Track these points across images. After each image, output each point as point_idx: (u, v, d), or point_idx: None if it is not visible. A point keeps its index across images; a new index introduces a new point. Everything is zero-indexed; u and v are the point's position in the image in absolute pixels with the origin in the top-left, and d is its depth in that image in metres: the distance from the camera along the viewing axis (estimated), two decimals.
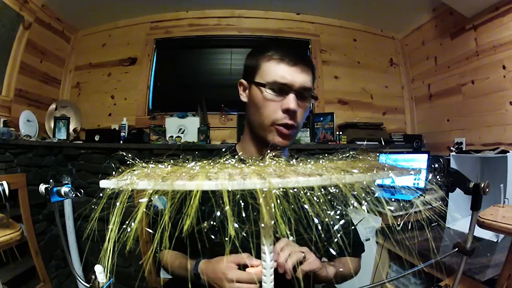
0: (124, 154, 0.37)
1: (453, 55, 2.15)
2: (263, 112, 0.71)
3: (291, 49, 0.73)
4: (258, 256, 0.29)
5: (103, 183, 0.26)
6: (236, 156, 0.32)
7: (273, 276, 0.31)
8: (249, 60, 0.78)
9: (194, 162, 0.28)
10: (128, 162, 0.30)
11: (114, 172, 0.28)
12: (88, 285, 0.33)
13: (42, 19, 2.26)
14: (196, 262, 0.65)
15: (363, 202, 0.24)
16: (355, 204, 0.24)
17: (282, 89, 0.70)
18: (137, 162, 0.30)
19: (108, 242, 0.26)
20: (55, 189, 0.54)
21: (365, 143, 2.29)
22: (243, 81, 0.79)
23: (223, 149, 0.84)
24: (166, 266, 0.78)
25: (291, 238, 0.24)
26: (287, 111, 0.69)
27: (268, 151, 0.33)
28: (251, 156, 0.35)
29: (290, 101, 0.68)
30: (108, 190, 0.26)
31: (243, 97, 0.80)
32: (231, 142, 2.47)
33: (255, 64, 0.75)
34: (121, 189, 0.24)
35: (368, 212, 0.27)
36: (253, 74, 0.75)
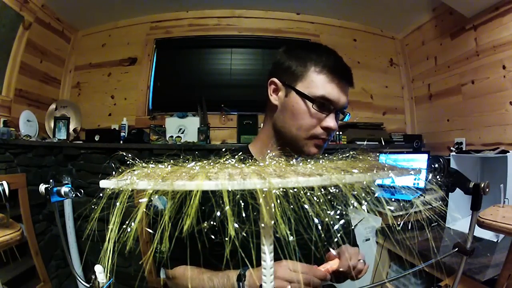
0: (124, 154, 0.37)
1: (453, 55, 2.15)
2: (302, 124, 0.70)
3: (341, 65, 0.73)
4: (258, 256, 0.29)
5: (103, 183, 0.26)
6: (254, 158, 0.32)
7: (273, 276, 0.31)
8: (291, 61, 0.72)
9: (194, 162, 0.28)
10: (128, 162, 0.30)
11: (114, 172, 0.28)
12: (88, 285, 0.33)
13: (42, 19, 2.26)
14: (240, 275, 0.57)
15: (363, 202, 0.24)
16: (355, 204, 0.24)
17: (327, 106, 0.69)
18: (137, 162, 0.30)
19: (108, 242, 0.26)
20: (55, 189, 0.54)
21: (365, 143, 2.29)
22: (276, 81, 0.73)
23: (232, 148, 0.81)
24: (183, 283, 0.69)
25: (291, 238, 0.24)
26: (328, 129, 0.70)
27: (269, 151, 0.33)
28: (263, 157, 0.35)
29: (333, 121, 0.70)
30: (108, 190, 0.26)
31: (274, 99, 0.74)
32: (231, 142, 2.47)
33: (301, 70, 0.70)
34: (121, 189, 0.24)
35: (368, 212, 0.27)
36: (294, 79, 0.70)
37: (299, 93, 0.69)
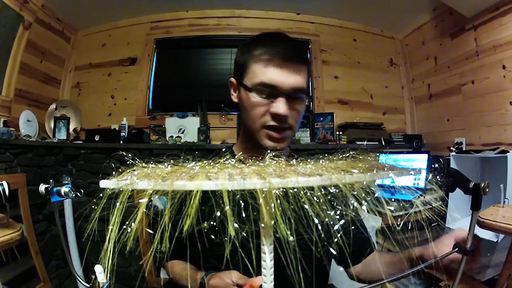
0: (124, 154, 0.37)
1: (453, 55, 2.15)
2: (252, 115, 0.68)
3: (282, 45, 0.67)
4: (258, 256, 0.29)
5: (103, 183, 0.26)
6: (236, 157, 0.32)
7: (273, 276, 0.31)
8: (238, 57, 0.73)
9: (194, 162, 0.28)
10: (128, 162, 0.30)
11: (114, 172, 0.28)
12: (88, 285, 0.33)
13: (42, 19, 2.26)
14: (205, 274, 0.62)
15: (363, 202, 0.24)
16: (355, 204, 0.24)
17: (270, 92, 0.65)
18: (137, 162, 0.30)
19: (108, 242, 0.26)
20: (55, 189, 0.54)
21: (365, 143, 2.29)
22: (233, 80, 0.75)
23: (223, 149, 0.82)
24: (174, 277, 0.75)
25: (291, 238, 0.24)
26: (276, 116, 0.65)
27: (268, 151, 0.33)
28: (248, 157, 0.35)
29: (279, 106, 0.64)
30: (108, 190, 0.26)
31: (234, 97, 0.75)
32: (231, 142, 2.47)
33: (243, 64, 0.70)
34: (121, 189, 0.24)
35: (368, 212, 0.27)
36: (241, 74, 0.70)
37: (243, 86, 0.69)
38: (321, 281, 0.75)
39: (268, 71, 0.65)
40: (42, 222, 2.08)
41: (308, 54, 0.77)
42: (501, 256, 1.10)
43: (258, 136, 0.69)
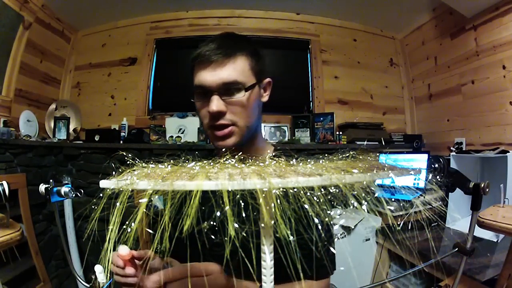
0: (124, 154, 0.37)
1: (453, 55, 2.15)
2: (200, 120, 0.71)
3: (206, 45, 0.67)
4: (258, 256, 0.29)
5: (103, 183, 0.26)
6: (215, 158, 0.32)
7: (273, 276, 0.31)
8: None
9: (194, 162, 0.28)
10: (128, 162, 0.30)
11: (114, 172, 0.28)
12: (88, 285, 0.32)
13: (42, 19, 2.26)
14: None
15: (363, 202, 0.24)
16: (355, 204, 0.24)
17: (204, 93, 0.67)
18: (137, 162, 0.30)
19: (108, 242, 0.26)
20: (55, 189, 0.54)
21: (365, 143, 2.29)
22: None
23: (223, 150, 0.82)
24: None
25: (291, 238, 0.24)
26: (210, 115, 0.66)
27: (269, 152, 0.33)
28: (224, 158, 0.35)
29: (211, 104, 0.65)
30: (108, 190, 0.26)
31: None
32: None
33: (191, 75, 0.72)
34: (121, 189, 0.24)
35: (368, 212, 0.27)
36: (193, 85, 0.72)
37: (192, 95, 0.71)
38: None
39: (198, 75, 0.67)
40: (42, 222, 2.08)
41: (247, 44, 0.68)
42: (501, 256, 1.10)
43: (209, 138, 0.72)
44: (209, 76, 0.65)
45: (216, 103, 0.64)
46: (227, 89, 0.66)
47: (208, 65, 0.66)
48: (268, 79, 0.77)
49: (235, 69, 0.66)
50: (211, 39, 0.70)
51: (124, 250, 0.47)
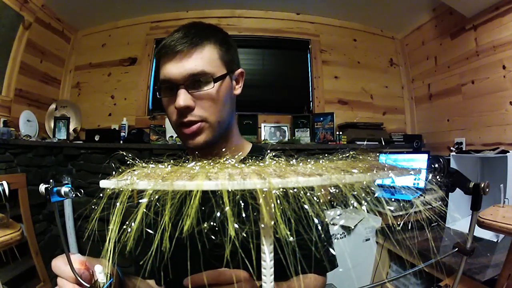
0: (124, 154, 0.36)
1: (453, 55, 2.15)
2: (168, 118, 0.65)
3: (171, 37, 0.61)
4: (258, 257, 0.29)
5: (103, 183, 0.26)
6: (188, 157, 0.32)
7: (273, 277, 0.31)
8: None
9: (194, 162, 0.28)
10: (128, 162, 0.30)
11: (114, 172, 0.28)
12: (88, 285, 0.32)
13: (42, 19, 2.26)
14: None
15: (363, 202, 0.24)
16: (355, 204, 0.24)
17: (169, 88, 0.61)
18: (137, 162, 0.30)
19: (109, 243, 0.26)
20: (55, 189, 0.54)
21: (365, 143, 2.29)
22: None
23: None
24: None
25: (291, 238, 0.24)
26: (178, 111, 0.60)
27: (268, 151, 0.33)
28: (196, 158, 0.34)
29: (178, 98, 0.58)
30: (108, 190, 0.26)
31: None
32: None
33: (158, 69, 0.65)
34: (121, 189, 0.24)
35: (368, 212, 0.27)
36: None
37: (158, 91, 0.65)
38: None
39: (162, 68, 0.61)
40: (42, 222, 2.08)
41: (214, 32, 0.61)
42: (501, 256, 1.10)
43: (179, 136, 0.65)
44: (174, 68, 0.59)
45: (183, 98, 0.58)
46: (195, 81, 0.60)
47: (173, 57, 0.59)
48: (240, 70, 0.70)
49: (202, 58, 0.60)
50: (177, 29, 0.63)
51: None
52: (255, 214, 0.27)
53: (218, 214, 0.24)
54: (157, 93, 0.64)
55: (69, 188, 0.38)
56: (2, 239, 0.69)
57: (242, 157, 0.72)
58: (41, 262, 1.86)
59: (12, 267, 1.65)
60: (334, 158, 0.31)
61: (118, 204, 0.25)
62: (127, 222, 0.25)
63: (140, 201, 0.24)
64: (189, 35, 0.60)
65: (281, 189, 0.23)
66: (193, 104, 0.60)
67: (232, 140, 0.71)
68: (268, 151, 0.32)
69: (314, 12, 2.68)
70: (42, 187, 0.37)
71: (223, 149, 0.67)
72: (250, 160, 0.28)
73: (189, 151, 0.69)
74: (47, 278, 1.88)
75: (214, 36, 0.64)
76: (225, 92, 0.64)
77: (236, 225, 0.22)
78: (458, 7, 1.96)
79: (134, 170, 0.28)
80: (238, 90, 0.70)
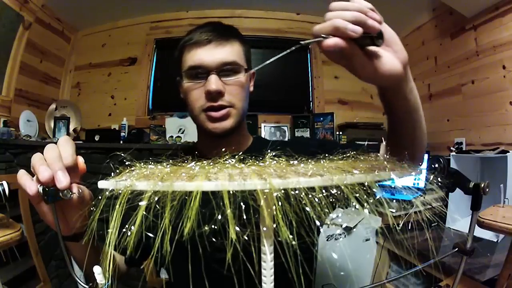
0: (122, 154, 0.36)
1: (453, 55, 2.14)
2: (190, 102, 0.67)
3: (204, 27, 0.67)
4: (259, 257, 0.29)
5: (101, 184, 0.26)
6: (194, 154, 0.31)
7: (273, 277, 0.31)
8: (175, 56, 0.73)
9: (194, 162, 0.28)
10: (126, 163, 0.30)
11: (112, 173, 0.28)
12: (87, 287, 0.32)
13: (42, 19, 2.26)
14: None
15: (365, 203, 0.24)
16: (357, 205, 0.24)
17: (199, 73, 0.65)
18: (135, 162, 0.30)
19: (108, 246, 0.25)
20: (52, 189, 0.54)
21: (366, 143, 2.28)
22: (177, 78, 0.74)
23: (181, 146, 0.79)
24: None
25: (293, 242, 0.24)
26: (209, 94, 0.63)
27: (269, 149, 0.33)
28: (208, 153, 0.34)
29: (210, 82, 0.62)
30: (107, 191, 0.26)
31: (181, 94, 0.74)
32: None
33: (177, 59, 0.71)
34: (119, 190, 0.24)
35: (369, 212, 0.27)
36: (179, 68, 0.70)
37: (180, 77, 0.69)
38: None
39: (194, 54, 0.65)
40: (42, 222, 2.07)
41: (238, 32, 0.69)
42: (501, 256, 1.10)
43: (201, 122, 0.67)
44: (207, 56, 0.64)
45: (215, 82, 0.62)
46: (226, 70, 0.65)
47: (205, 45, 0.64)
48: (253, 70, 0.75)
49: (233, 51, 0.66)
50: (202, 25, 0.69)
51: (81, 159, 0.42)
52: (256, 216, 0.27)
53: (220, 217, 0.24)
54: (179, 80, 0.68)
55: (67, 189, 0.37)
56: (2, 239, 0.69)
57: (247, 147, 0.76)
58: (41, 262, 1.85)
59: (12, 267, 1.64)
60: (335, 158, 0.31)
61: (117, 206, 0.25)
62: (126, 226, 0.25)
63: (139, 203, 0.23)
64: (220, 29, 0.67)
65: (282, 190, 0.23)
66: (224, 89, 0.64)
67: (244, 130, 0.77)
68: (268, 150, 0.31)
69: (314, 12, 2.67)
70: (40, 187, 0.37)
71: (237, 139, 0.73)
72: (249, 159, 0.28)
73: (209, 135, 0.69)
74: (47, 278, 1.88)
75: (240, 35, 0.71)
76: (247, 85, 0.70)
77: (237, 228, 0.22)
78: (458, 7, 1.95)
79: (132, 171, 0.28)
80: (251, 88, 0.77)
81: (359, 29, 0.36)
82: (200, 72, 0.64)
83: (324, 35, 0.37)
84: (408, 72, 0.46)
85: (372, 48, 0.39)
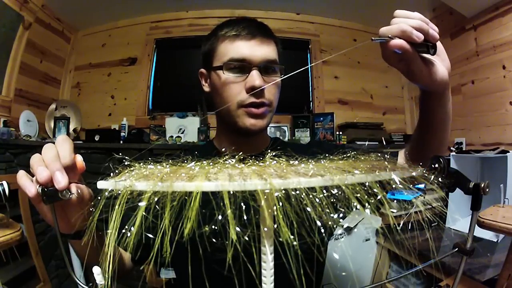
0: (121, 154, 0.36)
1: (453, 55, 2.15)
2: (226, 96, 0.64)
3: (247, 22, 0.65)
4: (259, 258, 0.29)
5: (100, 184, 0.26)
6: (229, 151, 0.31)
7: (273, 277, 0.31)
8: (204, 46, 0.70)
9: (193, 162, 0.28)
10: (126, 164, 0.30)
11: (111, 173, 0.28)
12: (86, 287, 0.32)
13: (42, 19, 2.26)
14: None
15: (366, 204, 0.24)
16: (358, 206, 0.24)
17: (242, 67, 0.62)
18: (134, 162, 0.30)
19: (108, 247, 0.25)
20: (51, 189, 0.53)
21: (366, 143, 2.28)
22: (203, 70, 0.71)
23: (204, 144, 0.78)
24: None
25: (294, 243, 0.24)
26: (252, 89, 0.60)
27: (269, 149, 0.33)
28: (230, 149, 0.34)
29: (254, 78, 0.60)
30: (106, 191, 0.26)
31: (206, 87, 0.72)
32: None
33: (210, 48, 0.67)
34: (119, 191, 0.24)
35: (370, 212, 0.27)
36: (210, 60, 0.67)
37: (214, 68, 0.66)
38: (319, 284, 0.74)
39: (236, 46, 0.63)
40: (42, 222, 2.08)
41: (273, 33, 0.69)
42: (501, 256, 1.10)
43: (236, 117, 0.64)
44: (251, 50, 0.62)
45: (259, 78, 0.60)
46: (267, 67, 0.64)
47: (249, 39, 0.62)
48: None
49: (274, 50, 0.66)
50: (237, 19, 0.67)
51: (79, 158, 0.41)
52: (256, 217, 0.27)
53: (220, 217, 0.24)
54: (218, 70, 0.64)
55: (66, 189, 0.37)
56: (2, 239, 0.69)
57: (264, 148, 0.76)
58: (41, 262, 1.85)
59: (12, 267, 1.64)
60: (335, 158, 0.31)
61: (116, 206, 0.25)
62: (126, 227, 0.25)
63: (139, 204, 0.23)
64: (261, 26, 0.66)
65: (282, 191, 0.23)
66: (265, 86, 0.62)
67: (266, 132, 0.80)
68: (269, 150, 0.31)
69: (314, 12, 2.67)
70: (39, 188, 0.37)
71: (258, 139, 0.73)
72: (249, 159, 0.28)
73: (237, 133, 0.67)
74: (47, 278, 1.88)
75: (275, 35, 0.71)
76: (280, 85, 0.69)
77: (237, 229, 0.22)
78: (458, 7, 1.96)
79: (132, 171, 0.28)
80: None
81: (422, 36, 0.41)
82: (243, 66, 0.62)
83: (390, 36, 0.41)
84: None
85: (427, 55, 0.45)
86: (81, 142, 2.33)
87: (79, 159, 0.43)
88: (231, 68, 0.63)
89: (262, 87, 0.60)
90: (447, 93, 0.53)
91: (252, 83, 0.60)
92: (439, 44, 0.46)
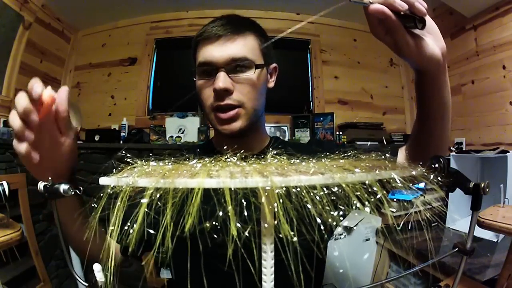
0: (124, 152, 0.36)
1: (453, 55, 2.15)
2: (202, 100, 0.64)
3: (219, 21, 0.63)
4: (260, 256, 0.29)
5: (102, 180, 0.26)
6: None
7: (273, 276, 0.31)
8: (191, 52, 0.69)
9: (195, 160, 0.28)
10: (128, 161, 0.30)
11: (114, 170, 0.28)
12: (86, 284, 0.32)
13: (42, 19, 2.26)
14: None
15: (366, 203, 0.24)
16: (358, 204, 0.24)
17: (208, 70, 0.61)
18: (136, 160, 0.30)
19: (108, 248, 0.25)
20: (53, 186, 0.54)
21: (368, 143, 2.28)
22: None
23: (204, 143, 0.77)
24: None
25: (294, 238, 0.24)
26: (215, 92, 0.60)
27: (271, 148, 0.33)
28: (223, 149, 0.35)
29: (217, 80, 0.58)
30: (108, 188, 0.26)
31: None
32: None
33: (192, 55, 0.67)
34: (121, 187, 0.24)
35: (370, 212, 0.27)
36: (194, 66, 0.66)
37: (193, 75, 0.65)
38: (319, 281, 0.74)
39: (204, 50, 0.62)
40: (42, 222, 2.08)
41: (255, 24, 0.68)
42: (501, 256, 1.10)
43: (212, 121, 0.64)
44: (216, 52, 0.60)
45: (223, 80, 0.58)
46: (236, 66, 0.61)
47: (215, 40, 0.60)
48: (274, 64, 0.72)
49: (245, 45, 0.62)
50: (217, 18, 0.65)
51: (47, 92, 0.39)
52: (257, 213, 0.27)
53: (221, 213, 0.24)
54: (193, 76, 0.65)
55: (68, 186, 0.37)
56: (2, 239, 0.69)
57: (262, 148, 0.73)
58: (41, 262, 1.85)
59: (12, 267, 1.64)
60: (336, 157, 0.31)
61: (118, 203, 0.25)
62: (128, 223, 0.25)
63: (141, 201, 0.23)
64: (233, 22, 0.62)
65: (283, 188, 0.23)
66: (232, 87, 0.60)
67: (261, 131, 0.74)
68: (270, 149, 0.31)
69: (314, 12, 2.65)
70: (41, 185, 0.37)
71: (252, 139, 0.70)
72: (251, 157, 0.28)
73: (220, 138, 0.68)
74: (47, 278, 1.88)
75: (255, 27, 0.66)
76: (262, 82, 0.65)
77: (238, 225, 0.22)
78: (458, 7, 1.96)
79: (134, 168, 0.28)
80: (271, 83, 0.73)
81: (405, 6, 0.38)
82: (209, 69, 0.61)
83: (371, 1, 0.38)
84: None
85: (416, 30, 0.42)
86: (81, 142, 2.33)
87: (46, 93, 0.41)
88: (201, 73, 0.63)
89: (225, 89, 0.58)
90: (442, 78, 0.51)
91: (215, 86, 0.59)
92: (432, 23, 0.44)
